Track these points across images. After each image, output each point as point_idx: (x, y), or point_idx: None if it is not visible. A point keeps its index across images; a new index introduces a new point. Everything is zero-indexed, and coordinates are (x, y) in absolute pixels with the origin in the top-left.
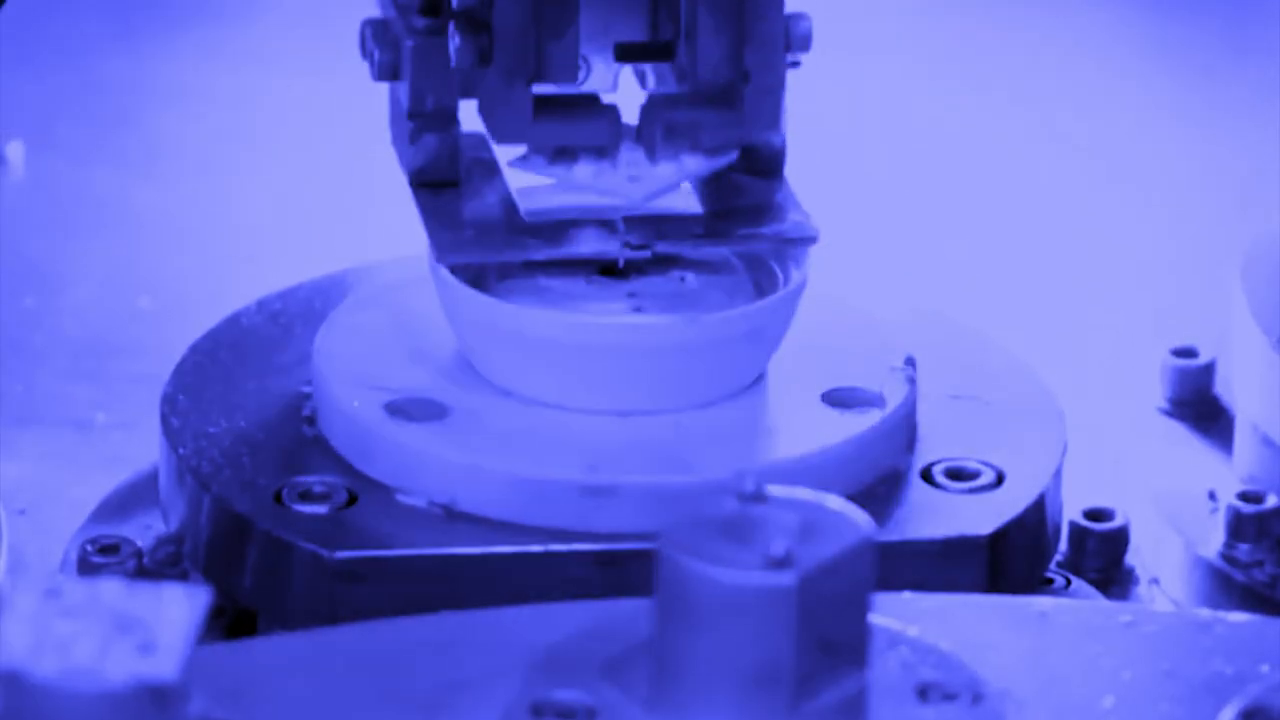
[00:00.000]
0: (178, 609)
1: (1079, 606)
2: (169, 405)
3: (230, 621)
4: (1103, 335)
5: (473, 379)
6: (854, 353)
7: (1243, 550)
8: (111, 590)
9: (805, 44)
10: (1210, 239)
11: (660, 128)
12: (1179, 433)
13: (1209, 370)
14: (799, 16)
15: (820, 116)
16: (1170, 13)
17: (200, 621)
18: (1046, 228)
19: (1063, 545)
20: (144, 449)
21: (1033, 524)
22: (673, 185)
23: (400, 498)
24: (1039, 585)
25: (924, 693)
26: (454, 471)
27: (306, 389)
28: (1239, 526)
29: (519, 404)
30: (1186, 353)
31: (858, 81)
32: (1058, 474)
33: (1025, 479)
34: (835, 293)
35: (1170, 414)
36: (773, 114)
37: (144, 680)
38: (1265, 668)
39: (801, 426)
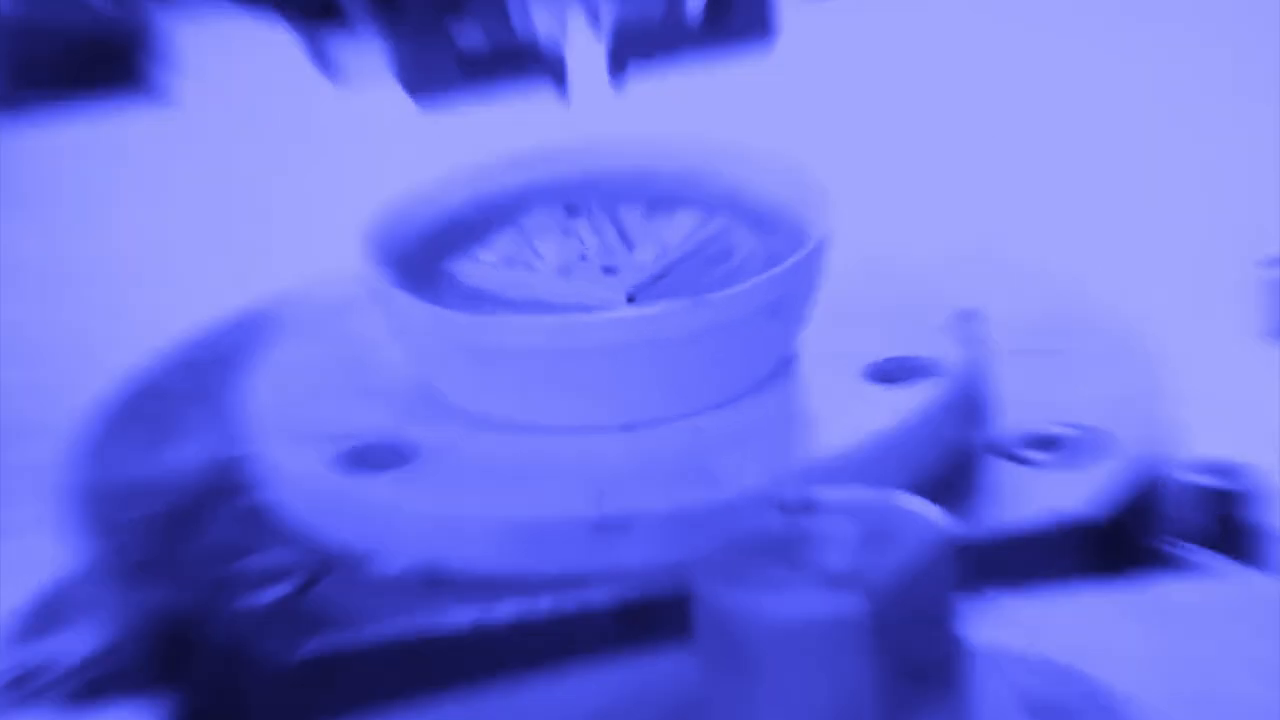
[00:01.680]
0: None
1: (1212, 585)
2: (74, 492)
3: None
4: (1187, 259)
5: (439, 409)
6: (898, 315)
7: None
8: None
9: None
10: None
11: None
12: None
13: None
14: None
15: (858, 58)
16: None
17: None
18: (1106, 141)
19: (1179, 511)
20: (53, 551)
21: (1141, 491)
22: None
23: (372, 566)
24: (1157, 563)
25: (1037, 712)
26: (432, 525)
27: (241, 449)
28: None
29: (498, 432)
30: None
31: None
32: (1161, 428)
33: (1124, 439)
34: (869, 248)
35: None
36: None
37: None
38: None
39: (845, 411)
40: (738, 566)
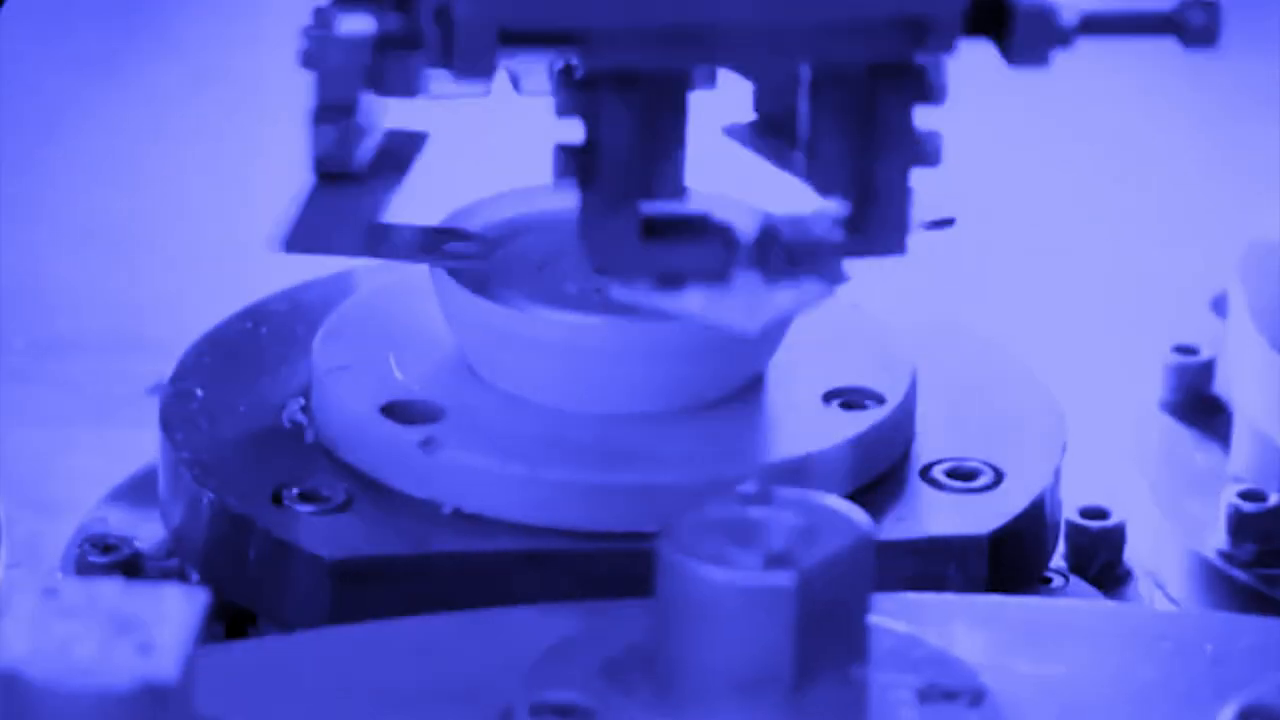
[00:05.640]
0: (177, 609)
1: (1078, 606)
2: (168, 405)
3: (230, 621)
4: (1103, 333)
5: (470, 380)
6: (855, 353)
7: (1243, 549)
8: (110, 590)
9: (935, 159)
10: (1210, 238)
11: (782, 253)
12: (1179, 430)
13: (1209, 368)
14: (931, 134)
15: None
16: None
17: (199, 622)
18: (1047, 225)
19: (1061, 544)
20: (145, 448)
21: (1032, 523)
22: (790, 314)
23: (398, 498)
24: (1038, 584)
25: (924, 693)
26: (450, 472)
27: (305, 390)
28: (1239, 525)
29: (515, 405)
30: (1187, 350)
31: None
32: (1057, 473)
33: (1025, 478)
34: (837, 294)
35: (1170, 411)
36: (899, 236)
37: (144, 680)
38: (1265, 668)
39: (802, 426)
40: (697, 539)
